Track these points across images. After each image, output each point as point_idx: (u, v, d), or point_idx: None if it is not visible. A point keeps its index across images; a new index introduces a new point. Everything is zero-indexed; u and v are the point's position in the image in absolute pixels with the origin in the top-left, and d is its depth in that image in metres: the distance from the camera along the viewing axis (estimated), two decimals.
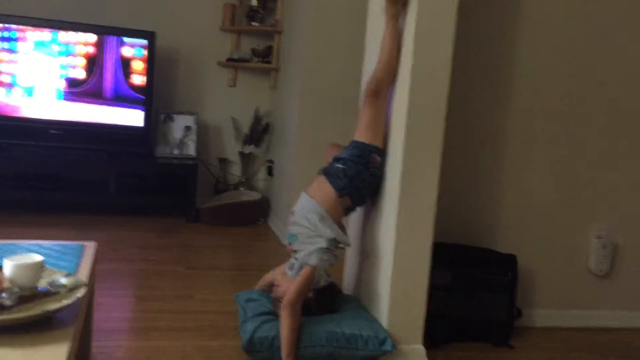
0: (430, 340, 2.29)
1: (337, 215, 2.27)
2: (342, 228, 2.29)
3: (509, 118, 2.62)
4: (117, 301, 2.60)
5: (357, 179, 2.24)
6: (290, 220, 2.29)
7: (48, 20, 3.93)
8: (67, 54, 3.95)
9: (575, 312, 2.73)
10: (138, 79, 4.07)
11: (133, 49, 4.04)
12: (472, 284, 2.44)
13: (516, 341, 2.49)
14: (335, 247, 2.23)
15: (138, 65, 4.06)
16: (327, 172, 2.26)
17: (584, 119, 2.68)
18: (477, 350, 2.39)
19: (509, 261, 2.52)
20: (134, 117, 4.08)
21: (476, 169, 2.63)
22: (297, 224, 2.24)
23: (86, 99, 4.01)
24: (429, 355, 2.22)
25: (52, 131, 3.97)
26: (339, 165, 2.24)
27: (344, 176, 2.22)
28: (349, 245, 2.35)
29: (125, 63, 4.04)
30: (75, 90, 3.99)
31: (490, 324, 2.46)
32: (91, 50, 3.98)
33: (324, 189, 2.25)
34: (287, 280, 2.25)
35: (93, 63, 3.98)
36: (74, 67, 3.97)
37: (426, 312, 2.22)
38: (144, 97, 4.08)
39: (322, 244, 2.18)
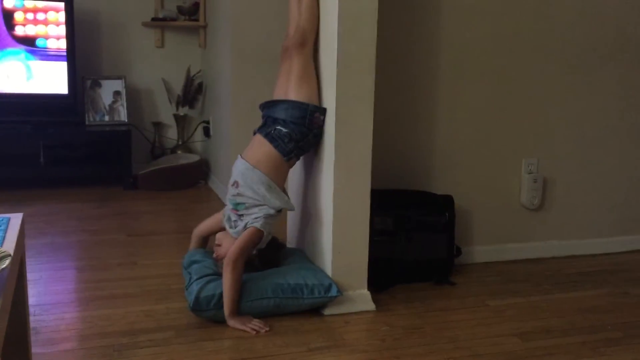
0: (375, 284, 2.34)
1: (283, 179, 2.28)
2: (285, 192, 2.29)
3: (437, 57, 2.64)
4: (56, 274, 2.54)
5: (303, 142, 2.23)
6: (232, 190, 2.26)
7: None
8: None
9: (511, 245, 2.85)
10: (56, 43, 3.88)
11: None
12: (412, 227, 2.50)
13: (457, 278, 2.59)
14: (279, 213, 2.24)
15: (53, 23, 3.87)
16: (270, 136, 2.22)
17: (512, 55, 2.73)
18: (420, 290, 2.46)
19: (446, 202, 2.58)
20: (58, 85, 3.91)
21: (408, 112, 2.65)
22: (243, 195, 2.22)
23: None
24: (374, 298, 2.28)
25: None
26: (282, 129, 2.21)
27: (289, 140, 2.20)
28: (293, 210, 2.36)
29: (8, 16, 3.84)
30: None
31: (431, 263, 2.54)
32: None
33: (267, 152, 2.21)
34: (229, 239, 2.24)
35: None
36: None
37: (369, 257, 2.27)
38: (66, 62, 3.90)
39: (270, 211, 2.19)
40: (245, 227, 2.18)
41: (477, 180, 2.77)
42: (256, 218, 2.18)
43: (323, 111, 2.22)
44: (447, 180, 2.70)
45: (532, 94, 2.78)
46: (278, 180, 2.24)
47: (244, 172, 2.23)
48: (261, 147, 2.23)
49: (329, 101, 2.20)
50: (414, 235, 2.50)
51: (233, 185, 2.26)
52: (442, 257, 2.56)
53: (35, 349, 1.76)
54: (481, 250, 2.80)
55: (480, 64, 2.69)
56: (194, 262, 2.32)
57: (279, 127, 2.21)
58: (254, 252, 2.26)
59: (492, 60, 2.71)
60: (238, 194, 2.23)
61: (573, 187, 2.91)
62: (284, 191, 2.29)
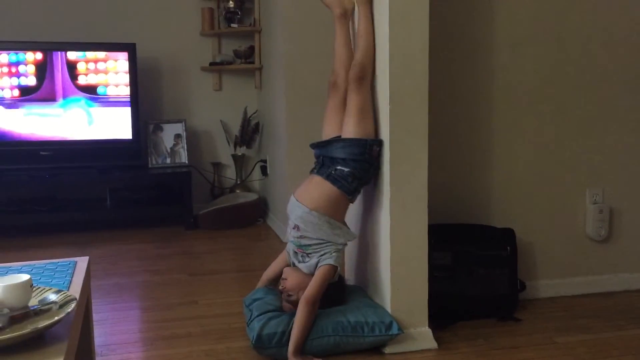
0: (436, 321, 2.29)
1: (343, 214, 2.28)
2: (346, 226, 2.29)
3: (493, 92, 2.61)
4: (121, 314, 2.60)
5: (365, 177, 2.24)
6: (294, 233, 2.26)
7: (37, 42, 3.93)
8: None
9: (577, 279, 2.73)
10: (115, 90, 4.07)
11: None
12: (473, 262, 2.44)
13: (522, 314, 2.50)
14: (346, 244, 2.24)
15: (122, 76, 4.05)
16: (332, 177, 2.21)
17: (570, 85, 2.67)
18: (483, 326, 2.39)
19: (507, 235, 2.52)
20: (122, 130, 4.08)
21: (465, 145, 2.62)
22: (306, 237, 2.22)
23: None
24: (435, 336, 2.22)
25: (42, 152, 3.97)
26: (344, 169, 2.20)
27: (353, 179, 2.20)
28: (355, 237, 2.35)
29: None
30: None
31: (494, 299, 2.47)
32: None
33: (327, 193, 2.20)
34: (296, 274, 2.24)
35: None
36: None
37: (429, 294, 2.23)
38: (130, 109, 4.07)
39: (338, 246, 2.20)
40: (317, 266, 2.18)
41: (539, 212, 2.69)
42: (326, 255, 2.18)
43: (379, 143, 2.22)
44: (507, 212, 2.64)
45: (592, 121, 2.70)
46: (339, 217, 2.24)
47: (303, 217, 2.22)
48: (320, 188, 2.22)
49: (384, 136, 2.20)
50: (475, 271, 2.44)
51: (294, 228, 2.26)
52: (505, 293, 2.48)
53: None
54: (546, 284, 2.70)
55: (536, 93, 2.64)
56: (256, 299, 2.33)
57: (340, 167, 2.21)
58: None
59: (548, 88, 2.65)
60: (301, 237, 2.23)
61: None
62: (345, 225, 2.29)
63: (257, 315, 2.17)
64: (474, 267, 2.45)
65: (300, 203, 2.24)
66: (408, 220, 2.18)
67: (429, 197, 2.19)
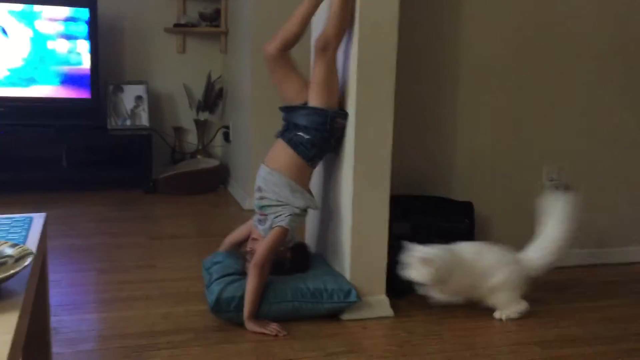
0: (394, 290, 2.33)
1: (306, 181, 2.28)
2: (310, 192, 2.29)
3: (458, 63, 2.63)
4: (77, 275, 2.56)
5: (325, 146, 2.24)
6: (256, 194, 2.27)
7: None
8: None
9: None
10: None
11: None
12: (431, 233, 2.48)
13: None
14: (305, 212, 2.25)
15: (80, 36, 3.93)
16: (293, 142, 2.21)
17: (531, 61, 2.71)
18: None
19: (466, 208, 2.56)
20: (81, 90, 3.97)
21: (428, 119, 2.64)
22: (266, 197, 2.23)
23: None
24: (392, 304, 2.27)
25: None
26: (304, 135, 2.21)
27: (312, 147, 2.21)
28: (317, 209, 2.36)
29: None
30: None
31: None
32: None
33: (289, 156, 2.22)
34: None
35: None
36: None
37: (388, 263, 2.26)
38: (89, 69, 3.96)
39: (294, 210, 2.19)
40: (271, 227, 2.18)
41: (497, 187, 2.74)
42: (280, 217, 2.18)
43: (344, 115, 2.23)
44: (466, 186, 2.69)
45: (551, 101, 2.75)
46: (301, 181, 2.25)
47: (265, 177, 2.25)
48: (283, 151, 2.24)
49: (350, 106, 2.20)
50: (433, 242, 2.48)
51: (257, 190, 2.27)
52: None
53: (55, 349, 1.77)
54: None
55: (499, 71, 2.68)
56: (216, 263, 2.33)
57: (300, 134, 2.22)
58: (287, 254, 2.26)
59: (511, 67, 2.69)
60: (262, 198, 2.24)
61: (596, 194, 2.87)
62: (309, 192, 2.29)
63: (217, 279, 2.17)
64: (433, 238, 2.48)
65: (265, 165, 2.26)
66: (370, 190, 2.20)
67: (391, 168, 2.21)
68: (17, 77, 3.86)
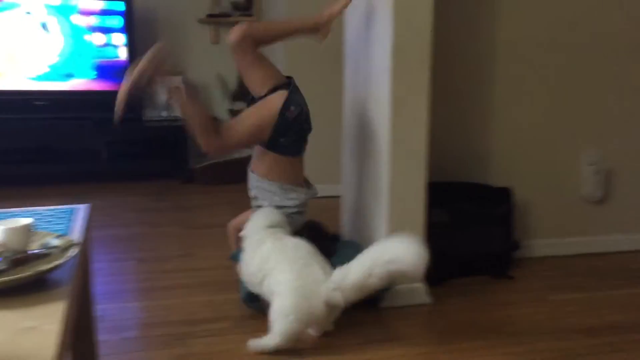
0: (431, 277, 2.31)
1: (296, 175, 2.24)
2: (306, 182, 2.28)
3: (495, 50, 2.58)
4: (118, 265, 2.62)
5: (292, 135, 2.16)
6: (253, 202, 2.27)
7: None
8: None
9: (572, 239, 2.76)
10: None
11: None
12: (469, 219, 2.45)
13: (516, 272, 2.53)
14: (305, 207, 2.23)
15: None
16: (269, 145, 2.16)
17: (571, 47, 2.64)
18: (477, 283, 2.42)
19: (504, 194, 2.53)
20: (118, 82, 4.02)
21: (465, 105, 2.61)
22: (263, 205, 2.22)
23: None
24: (430, 292, 2.25)
25: (36, 102, 3.92)
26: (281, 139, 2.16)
27: (277, 138, 2.14)
28: (316, 194, 2.34)
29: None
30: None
31: (488, 257, 2.49)
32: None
33: (270, 159, 2.17)
34: None
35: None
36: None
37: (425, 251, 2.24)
38: (125, 61, 4.01)
39: (287, 210, 2.17)
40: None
41: (537, 172, 2.69)
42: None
43: (295, 103, 2.16)
44: (505, 172, 2.64)
45: (591, 84, 2.68)
46: (290, 179, 2.20)
47: (257, 186, 2.23)
48: (260, 155, 2.21)
49: (384, 94, 2.18)
50: (471, 228, 2.46)
51: (253, 198, 2.27)
52: (500, 251, 2.51)
53: (100, 336, 1.81)
54: (541, 243, 2.73)
55: (539, 56, 2.62)
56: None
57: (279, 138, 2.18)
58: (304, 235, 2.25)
59: (550, 50, 2.62)
60: (259, 205, 2.24)
61: (637, 178, 2.79)
62: (305, 181, 2.27)
63: None
64: (470, 225, 2.46)
65: (252, 172, 2.26)
66: (407, 177, 2.18)
67: (428, 155, 2.19)
68: (56, 72, 3.93)
